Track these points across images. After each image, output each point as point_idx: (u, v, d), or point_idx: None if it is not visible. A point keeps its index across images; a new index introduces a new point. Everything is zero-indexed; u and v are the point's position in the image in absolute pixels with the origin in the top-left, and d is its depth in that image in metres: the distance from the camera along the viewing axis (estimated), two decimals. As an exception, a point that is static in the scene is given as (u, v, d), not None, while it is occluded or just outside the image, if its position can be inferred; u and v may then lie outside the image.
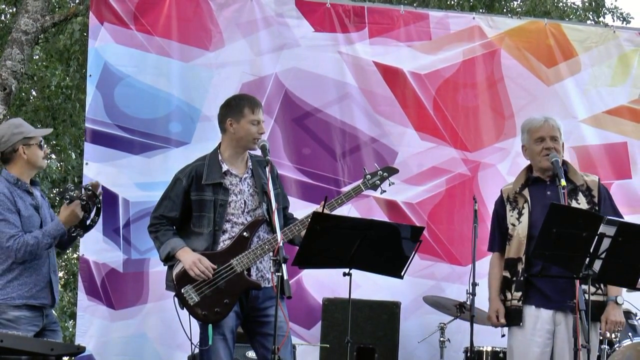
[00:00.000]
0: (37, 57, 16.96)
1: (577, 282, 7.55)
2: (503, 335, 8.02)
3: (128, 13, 10.46)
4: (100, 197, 7.93)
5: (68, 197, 7.77)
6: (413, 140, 10.91)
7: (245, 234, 7.56)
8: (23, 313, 7.54)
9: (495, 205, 7.97)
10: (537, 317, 7.55)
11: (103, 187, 8.27)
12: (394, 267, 7.65)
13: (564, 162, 8.02)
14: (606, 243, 7.13)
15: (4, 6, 17.39)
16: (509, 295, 7.65)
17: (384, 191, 8.11)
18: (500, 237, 7.77)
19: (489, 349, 8.98)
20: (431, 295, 9.93)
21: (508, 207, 7.74)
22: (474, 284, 8.23)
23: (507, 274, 7.68)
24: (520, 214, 7.68)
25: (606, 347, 9.63)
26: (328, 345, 9.74)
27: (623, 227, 7.28)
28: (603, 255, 7.19)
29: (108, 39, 10.46)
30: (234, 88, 9.43)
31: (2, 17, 17.29)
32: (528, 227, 7.63)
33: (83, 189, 7.82)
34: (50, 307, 7.90)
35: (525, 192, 7.77)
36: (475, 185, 9.95)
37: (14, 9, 16.55)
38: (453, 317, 9.62)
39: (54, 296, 7.90)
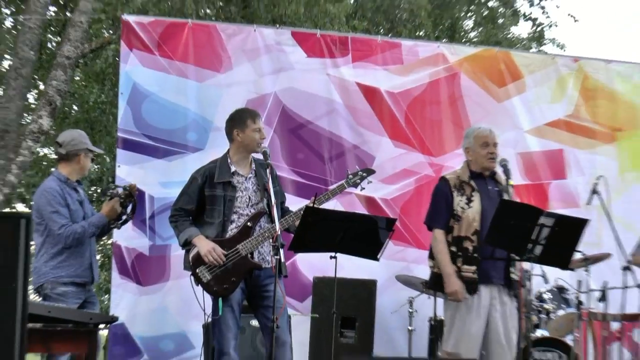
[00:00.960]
0: (78, 78, 16.96)
1: (522, 264, 7.68)
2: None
3: (153, 41, 10.53)
4: (136, 197, 8.14)
5: (109, 194, 8.02)
6: (388, 147, 10.97)
7: (249, 223, 7.62)
8: (70, 289, 7.75)
9: (442, 188, 7.87)
10: (481, 293, 7.58)
11: (124, 187, 8.34)
12: (371, 251, 7.69)
13: None
14: (545, 232, 7.24)
15: (50, 35, 17.38)
16: (455, 267, 7.64)
17: (363, 188, 8.18)
18: (447, 216, 7.74)
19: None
20: (402, 275, 9.98)
21: (455, 193, 7.73)
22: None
23: (454, 249, 7.68)
24: (469, 200, 7.69)
25: (544, 316, 9.73)
26: (317, 316, 9.78)
27: (559, 219, 7.41)
28: (543, 242, 7.29)
29: (136, 63, 10.51)
30: (240, 103, 9.48)
31: (49, 45, 17.28)
32: (481, 212, 7.66)
33: (122, 189, 8.04)
34: (91, 283, 8.07)
35: (472, 182, 7.79)
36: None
37: (58, 38, 16.54)
38: (420, 292, 9.67)
39: (93, 275, 8.08)
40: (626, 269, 9.14)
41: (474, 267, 7.59)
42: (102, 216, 7.89)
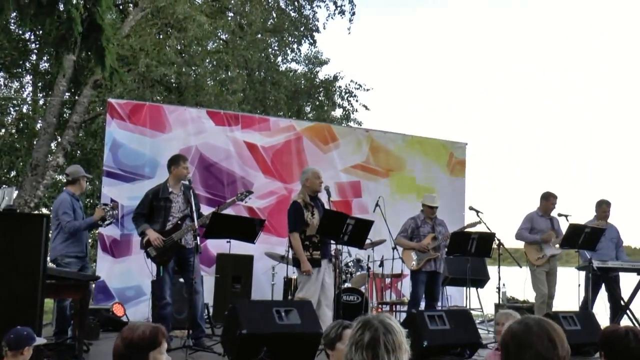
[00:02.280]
0: (81, 134, 16.38)
1: (340, 246, 7.62)
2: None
3: (125, 114, 10.24)
4: (117, 211, 7.98)
5: (102, 207, 7.76)
6: (261, 178, 10.86)
7: (179, 222, 7.42)
8: (73, 260, 7.48)
9: (297, 208, 7.59)
10: (321, 264, 7.46)
11: (111, 199, 8.09)
12: (251, 237, 7.50)
13: None
14: (350, 227, 7.26)
15: (65, 109, 16.81)
16: (307, 253, 7.45)
17: (246, 202, 8.06)
18: (301, 225, 7.57)
19: (295, 277, 8.84)
20: (268, 251, 9.80)
21: (305, 210, 7.58)
22: (288, 250, 8.06)
23: (308, 243, 7.51)
24: (312, 213, 7.56)
25: (349, 275, 9.71)
26: (219, 276, 9.60)
27: (358, 220, 7.41)
28: (349, 233, 7.25)
29: (115, 127, 10.18)
30: (175, 151, 9.18)
31: (64, 115, 16.68)
32: (319, 220, 7.51)
33: (111, 205, 7.84)
34: (85, 257, 7.73)
35: (312, 203, 7.65)
36: (289, 200, 9.81)
37: (70, 111, 16.05)
38: (278, 262, 9.51)
39: (87, 251, 7.81)
40: (394, 248, 9.17)
41: (319, 252, 7.47)
42: (92, 218, 7.64)
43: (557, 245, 9.18)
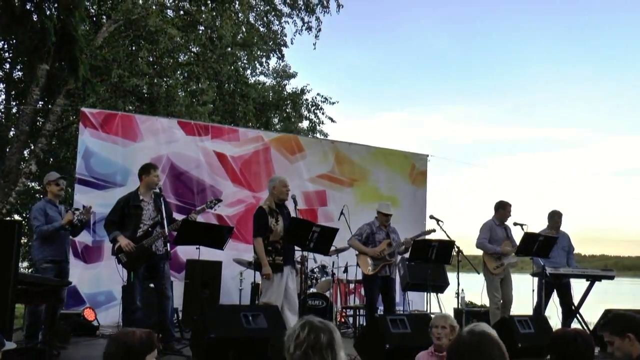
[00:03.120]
0: (54, 142, 16.18)
1: (306, 253, 7.61)
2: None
3: (98, 123, 10.13)
4: (85, 217, 7.69)
5: (72, 210, 7.71)
6: (230, 187, 10.83)
7: (149, 229, 7.36)
8: (49, 265, 7.38)
9: (262, 213, 7.47)
10: (284, 270, 7.43)
11: (83, 206, 7.98)
12: (220, 244, 7.45)
13: None
14: (315, 235, 7.23)
15: (38, 117, 16.57)
16: (270, 258, 7.41)
17: (215, 209, 8.04)
18: (265, 230, 7.51)
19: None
20: (237, 258, 9.77)
21: (269, 217, 7.52)
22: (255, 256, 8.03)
23: (271, 248, 7.47)
24: (277, 220, 7.51)
25: (314, 281, 9.69)
26: (188, 281, 9.51)
27: (323, 228, 7.42)
28: (314, 240, 7.24)
29: (88, 135, 10.06)
30: (146, 160, 9.09)
31: (37, 123, 16.44)
32: (282, 227, 7.49)
33: (83, 208, 7.74)
34: (63, 261, 7.66)
35: (277, 210, 7.60)
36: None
37: (43, 119, 15.82)
38: (246, 268, 9.48)
39: (67, 255, 7.76)
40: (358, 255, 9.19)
41: (281, 257, 7.41)
42: (60, 222, 7.48)
43: (513, 254, 9.27)
